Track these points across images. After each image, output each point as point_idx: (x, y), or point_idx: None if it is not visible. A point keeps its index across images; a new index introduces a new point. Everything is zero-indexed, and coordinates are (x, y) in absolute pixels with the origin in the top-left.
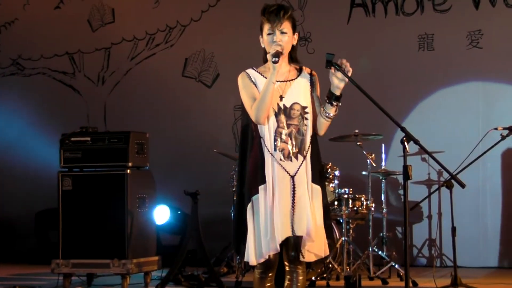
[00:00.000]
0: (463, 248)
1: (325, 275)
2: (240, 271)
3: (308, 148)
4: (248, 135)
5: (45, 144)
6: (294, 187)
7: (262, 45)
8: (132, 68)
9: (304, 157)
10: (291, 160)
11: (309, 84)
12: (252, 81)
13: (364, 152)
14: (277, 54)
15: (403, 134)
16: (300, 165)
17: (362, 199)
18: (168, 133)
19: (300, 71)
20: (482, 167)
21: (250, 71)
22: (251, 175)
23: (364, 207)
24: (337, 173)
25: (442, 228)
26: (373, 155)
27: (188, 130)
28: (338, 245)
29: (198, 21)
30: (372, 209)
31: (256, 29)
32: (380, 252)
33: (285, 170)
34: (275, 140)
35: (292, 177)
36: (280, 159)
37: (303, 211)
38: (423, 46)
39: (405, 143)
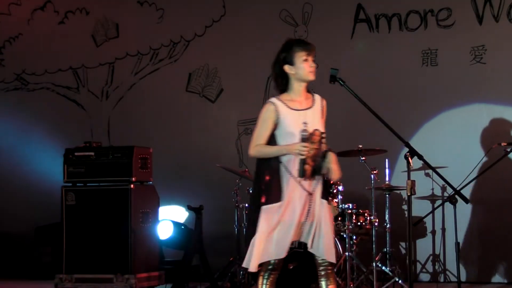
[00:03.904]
0: (467, 263)
1: None
2: (244, 286)
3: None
4: (271, 159)
5: (49, 159)
6: (310, 203)
7: (290, 71)
8: (136, 83)
9: (321, 176)
10: (310, 179)
11: (321, 110)
12: (276, 113)
13: (368, 168)
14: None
15: (407, 149)
16: (317, 183)
17: (366, 214)
18: (171, 148)
19: (313, 98)
20: (486, 182)
21: (276, 101)
22: (268, 191)
23: (368, 222)
24: (340, 188)
25: (446, 243)
26: (376, 170)
27: (191, 145)
28: (341, 261)
29: (202, 36)
30: (376, 224)
31: (260, 44)
32: (383, 268)
33: (304, 189)
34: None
35: (310, 193)
36: (301, 180)
37: (317, 225)
38: (427, 61)
39: (409, 158)
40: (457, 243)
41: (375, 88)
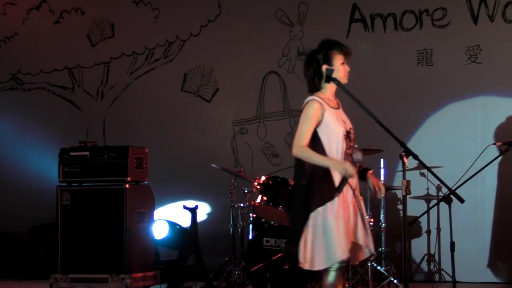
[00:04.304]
0: (462, 263)
1: None
2: (239, 285)
3: None
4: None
5: (44, 159)
6: (356, 199)
7: (323, 72)
8: (131, 83)
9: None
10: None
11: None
12: (322, 110)
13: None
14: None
15: (402, 149)
16: (356, 180)
17: None
18: (167, 148)
19: (336, 99)
20: (481, 182)
21: (319, 99)
22: (320, 191)
23: None
24: None
25: (441, 243)
26: (372, 170)
27: (187, 144)
28: None
29: (197, 36)
30: (371, 224)
31: (256, 44)
32: (379, 267)
33: (350, 186)
34: (350, 157)
35: (353, 190)
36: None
37: (363, 220)
38: (422, 61)
39: (404, 158)
40: (452, 243)
41: (371, 88)
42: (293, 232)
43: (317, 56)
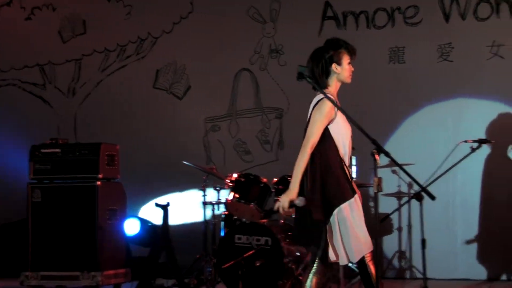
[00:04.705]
0: (433, 260)
1: None
2: (210, 283)
3: None
4: (332, 154)
5: (14, 156)
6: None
7: (336, 71)
8: (103, 80)
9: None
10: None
11: None
12: (335, 109)
13: None
14: None
15: (374, 146)
16: None
17: None
18: (138, 145)
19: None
20: (453, 179)
21: (331, 98)
22: (339, 187)
23: None
24: None
25: (412, 240)
26: None
27: (159, 142)
28: (308, 258)
29: (169, 33)
30: None
31: (229, 41)
32: (350, 264)
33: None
34: (350, 159)
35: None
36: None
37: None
38: (394, 59)
39: (376, 155)
40: (423, 240)
41: (343, 85)
42: (311, 233)
43: (326, 54)
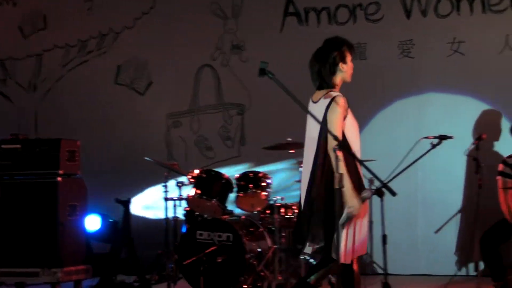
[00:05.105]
0: (394, 256)
1: (258, 284)
2: (172, 279)
3: None
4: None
5: None
6: None
7: (343, 69)
8: (64, 75)
9: None
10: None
11: None
12: (348, 106)
13: (296, 161)
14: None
15: (336, 142)
16: None
17: (294, 207)
18: (100, 141)
19: None
20: (414, 176)
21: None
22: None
23: (296, 215)
24: (269, 181)
25: (373, 236)
26: None
27: (120, 137)
28: (270, 253)
29: (131, 28)
30: None
31: (190, 36)
32: (311, 260)
33: None
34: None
35: None
36: None
37: None
38: (356, 55)
39: (338, 151)
40: (384, 236)
41: (305, 82)
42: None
43: (333, 54)
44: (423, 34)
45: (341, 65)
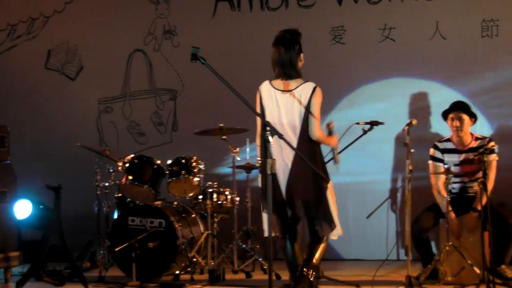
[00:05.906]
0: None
1: (189, 269)
2: (103, 265)
3: None
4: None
5: None
6: None
7: (302, 59)
8: None
9: None
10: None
11: None
12: None
13: (229, 146)
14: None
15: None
16: None
17: (227, 192)
18: (30, 126)
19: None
20: (346, 161)
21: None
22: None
23: (229, 200)
24: (201, 167)
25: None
26: (237, 149)
27: (51, 123)
28: (202, 239)
29: (61, 13)
30: (237, 203)
31: (122, 21)
32: (244, 246)
33: None
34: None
35: None
36: None
37: None
38: None
39: (270, 137)
40: None
41: (236, 67)
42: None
43: (298, 44)
44: (355, 20)
45: (301, 55)
